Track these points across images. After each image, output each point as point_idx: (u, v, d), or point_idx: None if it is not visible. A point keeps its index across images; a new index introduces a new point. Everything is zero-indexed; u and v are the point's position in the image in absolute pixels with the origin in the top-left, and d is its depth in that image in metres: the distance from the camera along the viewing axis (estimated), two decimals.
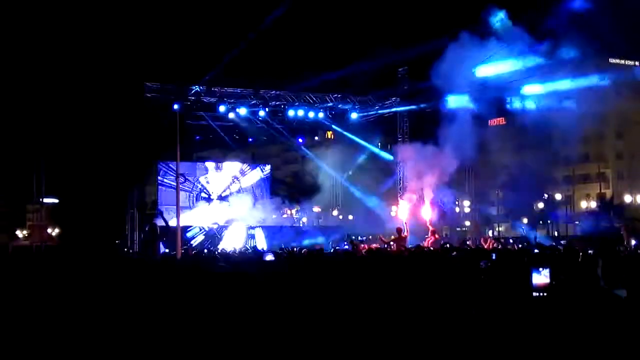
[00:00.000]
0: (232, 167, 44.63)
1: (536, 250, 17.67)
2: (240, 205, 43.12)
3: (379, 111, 41.51)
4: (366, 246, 29.75)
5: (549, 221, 65.55)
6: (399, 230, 30.66)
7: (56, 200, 63.49)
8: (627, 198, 59.60)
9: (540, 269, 7.88)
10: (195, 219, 41.78)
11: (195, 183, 43.09)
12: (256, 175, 44.99)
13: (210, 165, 44.46)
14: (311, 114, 40.13)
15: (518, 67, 33.90)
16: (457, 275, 11.01)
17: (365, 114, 41.38)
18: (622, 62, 60.34)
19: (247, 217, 42.52)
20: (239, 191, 44.04)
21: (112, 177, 39.75)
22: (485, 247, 29.22)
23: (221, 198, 43.49)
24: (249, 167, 45.11)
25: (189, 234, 39.84)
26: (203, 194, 43.09)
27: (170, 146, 36.28)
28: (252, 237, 41.43)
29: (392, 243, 29.54)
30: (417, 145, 36.63)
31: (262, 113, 39.18)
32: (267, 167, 46.26)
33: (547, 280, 7.78)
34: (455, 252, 20.65)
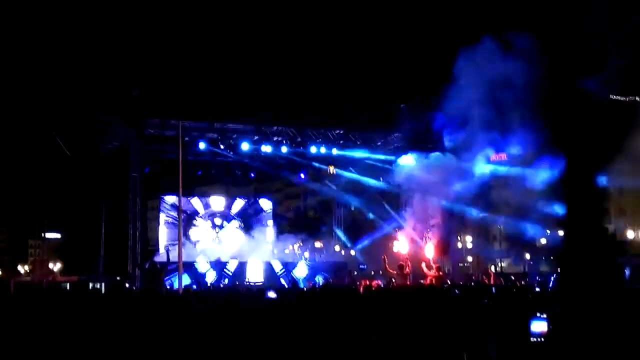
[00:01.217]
0: (233, 202, 44.89)
1: (537, 289, 17.62)
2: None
3: (380, 153, 41.84)
4: (367, 282, 29.67)
5: (551, 257, 65.22)
6: (401, 267, 30.54)
7: (58, 236, 63.46)
8: (630, 234, 59.45)
9: (539, 315, 7.79)
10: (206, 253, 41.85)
11: (196, 217, 43.27)
12: (259, 209, 45.19)
13: (210, 199, 44.72)
14: (313, 149, 40.32)
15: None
16: (458, 315, 10.99)
17: (368, 155, 41.69)
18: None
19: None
20: (241, 226, 44.26)
21: (113, 212, 39.75)
22: (487, 282, 29.11)
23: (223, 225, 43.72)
24: (249, 201, 45.36)
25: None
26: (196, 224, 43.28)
27: (172, 181, 36.37)
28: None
29: (393, 280, 29.44)
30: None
31: (267, 148, 39.36)
32: (269, 202, 46.45)
33: (545, 329, 7.69)
34: (458, 291, 20.61)
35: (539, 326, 7.59)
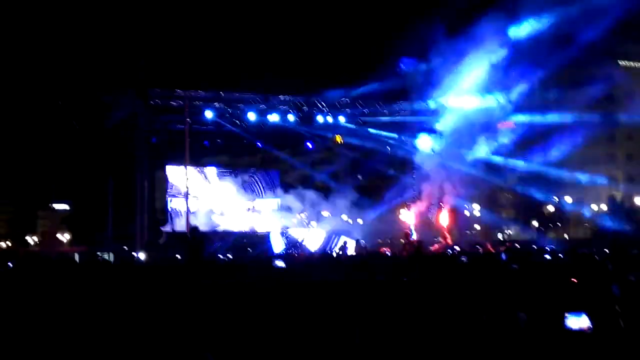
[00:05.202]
0: (241, 172, 44.73)
1: (548, 257, 17.57)
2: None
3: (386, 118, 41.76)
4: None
5: (558, 223, 65.35)
6: (407, 235, 30.63)
7: (67, 207, 63.66)
8: (638, 200, 59.37)
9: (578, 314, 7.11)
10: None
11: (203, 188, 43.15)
12: (266, 179, 45.03)
13: (216, 170, 44.46)
14: (320, 119, 40.10)
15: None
16: (469, 279, 11.00)
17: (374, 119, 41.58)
18: (633, 64, 60.20)
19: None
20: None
21: (121, 182, 39.82)
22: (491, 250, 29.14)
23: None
24: (258, 171, 45.18)
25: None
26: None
27: (179, 151, 36.58)
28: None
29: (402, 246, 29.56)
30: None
31: (274, 118, 39.18)
32: (276, 172, 46.25)
33: (586, 325, 7.07)
34: (464, 257, 20.62)
35: (577, 322, 7.01)
